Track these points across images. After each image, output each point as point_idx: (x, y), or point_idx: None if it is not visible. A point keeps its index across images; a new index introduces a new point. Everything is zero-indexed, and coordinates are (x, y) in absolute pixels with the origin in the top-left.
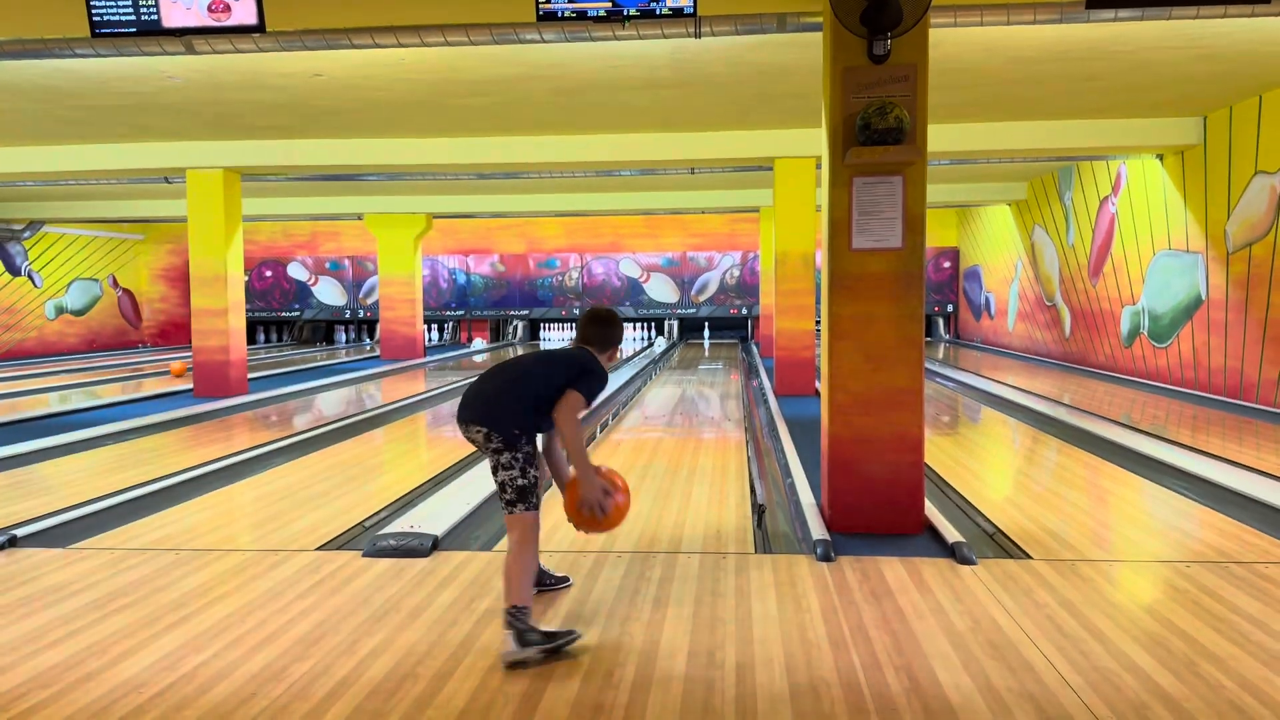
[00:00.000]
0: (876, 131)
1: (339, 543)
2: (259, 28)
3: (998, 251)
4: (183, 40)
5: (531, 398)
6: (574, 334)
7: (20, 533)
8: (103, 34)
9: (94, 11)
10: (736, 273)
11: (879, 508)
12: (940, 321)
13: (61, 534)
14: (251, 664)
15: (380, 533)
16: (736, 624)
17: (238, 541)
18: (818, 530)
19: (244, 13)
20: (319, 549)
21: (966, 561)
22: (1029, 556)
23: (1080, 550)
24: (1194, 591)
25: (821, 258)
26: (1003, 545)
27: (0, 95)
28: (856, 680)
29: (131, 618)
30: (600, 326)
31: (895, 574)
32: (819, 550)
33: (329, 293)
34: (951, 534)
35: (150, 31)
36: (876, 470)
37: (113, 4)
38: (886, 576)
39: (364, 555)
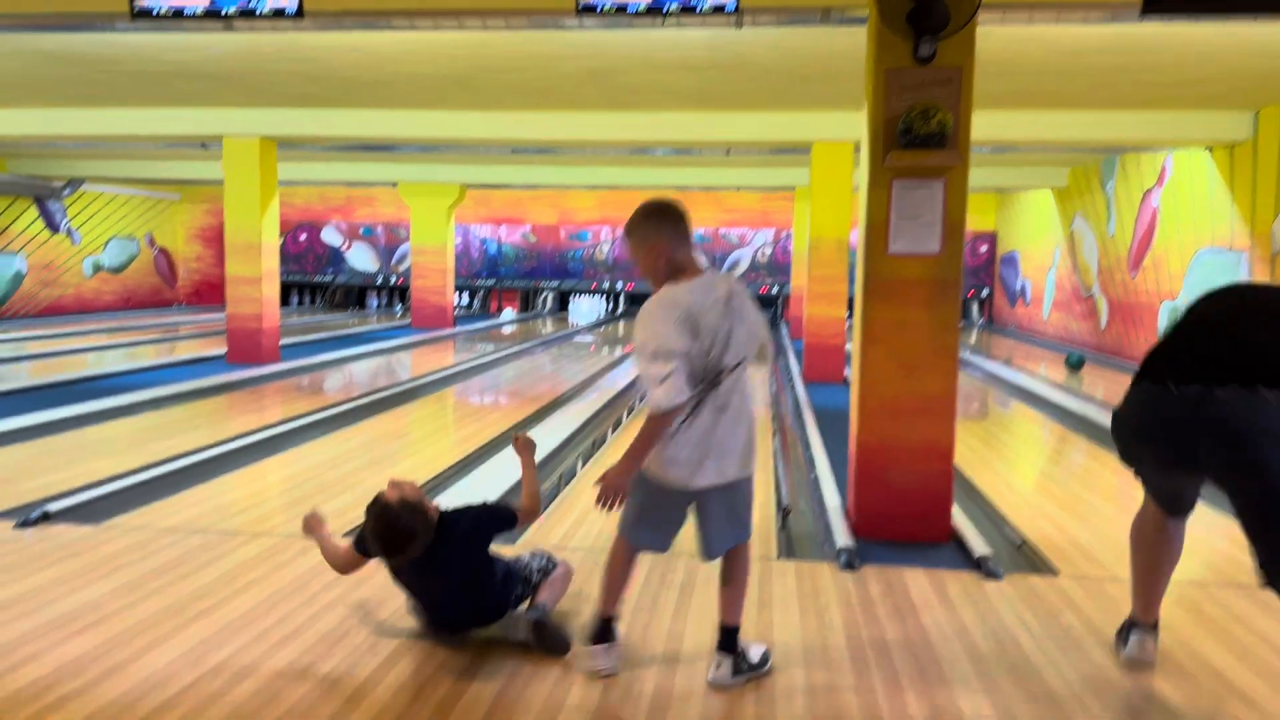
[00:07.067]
0: (918, 136)
1: None
2: (298, 13)
3: (1036, 238)
4: (222, 20)
5: (500, 568)
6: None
7: (53, 508)
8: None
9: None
10: (769, 251)
11: (906, 516)
12: (975, 306)
13: (93, 510)
14: (277, 660)
15: None
16: (757, 636)
17: (265, 524)
18: (842, 537)
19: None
20: (346, 535)
21: (993, 576)
22: (1056, 572)
23: (1108, 567)
24: (1225, 619)
25: (857, 241)
26: (1029, 558)
27: (42, 60)
28: (876, 703)
29: (158, 605)
30: None
31: (920, 588)
32: (843, 559)
33: (362, 258)
34: (978, 546)
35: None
36: (904, 479)
37: None
38: (911, 590)
39: None
